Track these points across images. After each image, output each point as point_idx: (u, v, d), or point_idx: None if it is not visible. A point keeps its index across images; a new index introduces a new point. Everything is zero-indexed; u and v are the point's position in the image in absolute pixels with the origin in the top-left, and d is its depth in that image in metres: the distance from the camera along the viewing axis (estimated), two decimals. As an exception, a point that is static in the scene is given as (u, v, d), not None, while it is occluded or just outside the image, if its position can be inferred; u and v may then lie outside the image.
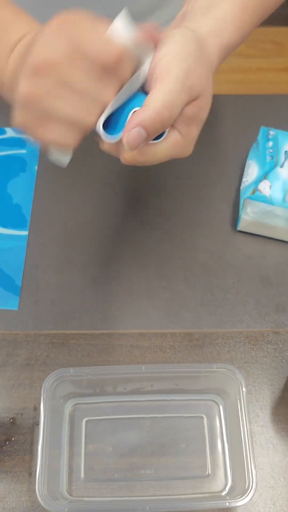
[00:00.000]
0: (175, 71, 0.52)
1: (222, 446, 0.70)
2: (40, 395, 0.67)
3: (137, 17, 0.52)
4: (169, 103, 0.51)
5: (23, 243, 0.84)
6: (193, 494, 0.67)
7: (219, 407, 0.72)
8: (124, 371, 0.70)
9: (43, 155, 0.91)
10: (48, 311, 0.79)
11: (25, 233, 0.85)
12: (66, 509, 0.62)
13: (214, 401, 0.72)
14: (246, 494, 0.61)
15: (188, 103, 0.53)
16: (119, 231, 0.87)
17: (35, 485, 0.64)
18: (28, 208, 0.88)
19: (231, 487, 0.66)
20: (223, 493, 0.67)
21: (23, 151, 0.94)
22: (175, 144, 0.55)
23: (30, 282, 0.81)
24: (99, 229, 0.87)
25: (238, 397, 0.67)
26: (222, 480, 0.68)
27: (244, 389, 0.67)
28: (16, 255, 0.83)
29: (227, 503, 0.62)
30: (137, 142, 0.51)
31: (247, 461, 0.63)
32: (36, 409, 0.72)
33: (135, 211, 0.89)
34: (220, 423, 0.71)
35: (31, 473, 0.69)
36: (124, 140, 0.51)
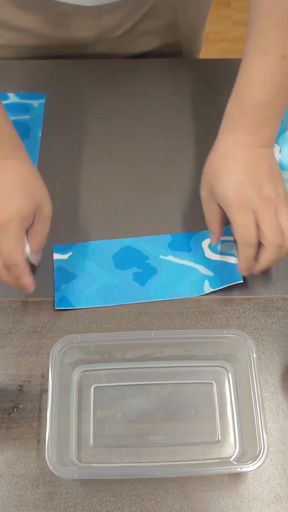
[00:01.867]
0: None
1: (232, 412, 0.69)
2: (47, 363, 0.66)
3: None
4: None
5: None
6: (203, 460, 0.67)
7: (228, 374, 0.71)
8: (133, 337, 0.69)
9: (47, 120, 0.89)
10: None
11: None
12: (76, 475, 0.62)
13: (223, 367, 0.71)
14: (257, 459, 0.61)
15: None
16: (125, 196, 0.85)
17: (43, 451, 0.63)
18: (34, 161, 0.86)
19: (242, 453, 0.66)
20: (233, 459, 0.66)
21: (27, 117, 0.92)
22: None
23: (35, 249, 0.80)
24: (104, 195, 0.85)
25: (248, 363, 0.66)
26: (232, 446, 0.67)
27: (254, 355, 0.66)
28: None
29: (238, 468, 0.61)
30: None
31: (258, 427, 0.63)
32: (44, 376, 0.72)
33: (140, 177, 0.87)
34: (230, 389, 0.70)
35: (39, 440, 0.68)
36: None
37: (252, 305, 0.76)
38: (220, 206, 0.72)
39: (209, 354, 0.71)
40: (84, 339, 0.68)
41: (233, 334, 0.68)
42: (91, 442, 0.68)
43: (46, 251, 0.80)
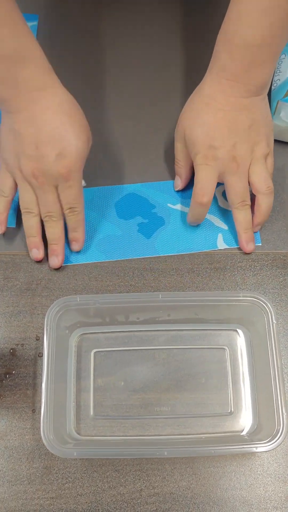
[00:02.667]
0: None
1: (246, 381, 0.63)
2: (43, 324, 0.59)
3: None
4: None
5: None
6: (213, 433, 0.61)
7: (243, 338, 0.64)
8: (138, 299, 0.62)
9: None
10: (50, 229, 0.70)
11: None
12: (74, 453, 0.56)
13: (237, 331, 0.64)
14: (275, 439, 0.55)
15: None
16: (128, 136, 0.76)
17: (39, 422, 0.57)
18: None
19: (257, 427, 0.60)
20: (247, 433, 0.60)
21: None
22: None
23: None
24: (104, 134, 0.76)
25: (267, 330, 0.59)
26: (246, 419, 0.61)
27: (274, 321, 0.59)
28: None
29: (254, 448, 0.55)
30: None
31: (276, 401, 0.57)
32: (38, 339, 0.65)
33: (146, 113, 0.77)
34: (244, 356, 0.64)
35: (34, 410, 0.62)
36: None
37: (270, 261, 0.69)
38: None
39: (222, 317, 0.64)
40: (83, 301, 0.60)
41: (251, 297, 0.60)
42: (91, 413, 0.62)
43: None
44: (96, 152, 0.72)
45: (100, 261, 0.68)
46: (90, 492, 0.60)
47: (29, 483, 0.60)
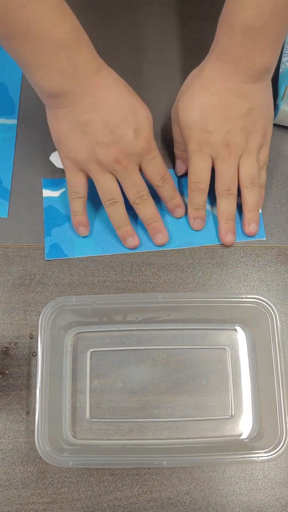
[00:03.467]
0: None
1: (248, 384, 0.60)
2: (37, 322, 0.58)
3: None
4: None
5: (12, 135, 0.69)
6: (214, 437, 0.59)
7: (246, 338, 0.62)
8: (137, 300, 0.59)
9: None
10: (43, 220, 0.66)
11: (13, 122, 0.70)
12: (70, 463, 0.54)
13: (240, 330, 0.62)
14: (277, 448, 0.53)
15: None
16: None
17: (33, 424, 0.56)
18: (16, 90, 0.71)
19: (258, 433, 0.58)
20: (248, 438, 0.59)
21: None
22: None
23: (21, 184, 0.68)
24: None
25: (271, 333, 0.57)
26: (247, 423, 0.59)
27: (279, 325, 0.57)
28: (3, 150, 0.69)
29: (256, 458, 0.53)
30: None
31: (279, 409, 0.55)
32: (33, 337, 0.62)
33: (145, 90, 0.73)
34: (246, 357, 0.61)
35: (28, 412, 0.60)
36: None
37: (274, 256, 0.66)
38: None
39: (224, 318, 0.61)
40: (79, 302, 0.58)
41: (255, 298, 0.58)
42: (88, 415, 0.60)
43: (35, 187, 0.68)
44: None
45: (98, 254, 0.65)
46: (86, 497, 0.58)
47: (23, 488, 0.58)
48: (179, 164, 0.68)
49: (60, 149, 0.61)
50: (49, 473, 0.59)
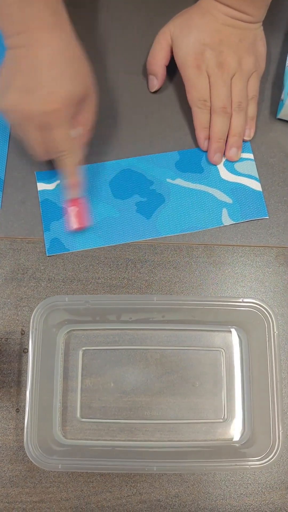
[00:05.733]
0: None
1: (242, 387, 0.60)
2: (29, 317, 0.56)
3: None
4: None
5: (6, 124, 0.67)
6: (205, 440, 0.59)
7: (241, 341, 0.61)
8: (131, 301, 0.57)
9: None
10: (39, 212, 0.64)
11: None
12: (59, 466, 0.53)
13: (235, 333, 0.61)
14: (271, 456, 0.53)
15: None
16: (120, 106, 0.69)
17: (23, 422, 0.55)
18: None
19: (250, 438, 0.58)
20: (240, 442, 0.58)
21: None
22: None
23: (15, 174, 0.66)
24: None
25: (267, 339, 0.56)
26: (239, 427, 0.59)
27: (276, 331, 0.56)
28: (-3, 136, 0.67)
29: (248, 466, 0.53)
30: None
31: (273, 415, 0.54)
32: (24, 333, 0.61)
33: (138, 83, 0.70)
34: (241, 360, 0.60)
35: (18, 409, 0.59)
36: None
37: (273, 257, 0.64)
38: (170, 49, 0.67)
39: (220, 321, 0.60)
40: (72, 301, 0.56)
41: (252, 303, 0.56)
42: (78, 415, 0.59)
43: (29, 180, 0.66)
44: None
45: (98, 246, 0.63)
46: (74, 497, 0.58)
47: (11, 486, 0.58)
48: (152, 80, 0.69)
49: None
50: (37, 472, 0.58)
